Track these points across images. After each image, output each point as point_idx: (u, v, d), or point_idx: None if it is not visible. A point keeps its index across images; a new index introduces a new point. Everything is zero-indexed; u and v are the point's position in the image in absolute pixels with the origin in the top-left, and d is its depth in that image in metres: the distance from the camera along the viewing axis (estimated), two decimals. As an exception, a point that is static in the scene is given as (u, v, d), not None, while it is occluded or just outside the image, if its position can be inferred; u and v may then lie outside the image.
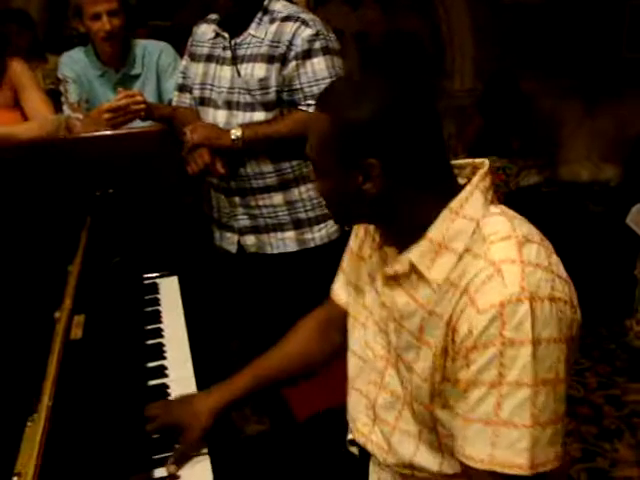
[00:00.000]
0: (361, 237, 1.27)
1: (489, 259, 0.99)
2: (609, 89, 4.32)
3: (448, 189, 1.08)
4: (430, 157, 1.07)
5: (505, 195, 3.66)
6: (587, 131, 4.25)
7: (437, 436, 1.11)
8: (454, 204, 1.05)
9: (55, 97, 2.48)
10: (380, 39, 3.99)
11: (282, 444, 1.44)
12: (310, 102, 1.95)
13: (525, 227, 1.05)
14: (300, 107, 1.97)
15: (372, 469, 1.24)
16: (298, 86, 1.96)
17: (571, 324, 1.00)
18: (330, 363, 1.43)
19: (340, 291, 1.36)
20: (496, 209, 1.07)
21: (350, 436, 1.31)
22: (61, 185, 1.89)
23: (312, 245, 2.11)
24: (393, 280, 1.12)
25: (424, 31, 4.48)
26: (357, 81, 1.11)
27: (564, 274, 1.03)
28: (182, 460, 1.21)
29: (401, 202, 1.06)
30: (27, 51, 3.44)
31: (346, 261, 1.35)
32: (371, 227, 1.24)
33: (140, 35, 3.14)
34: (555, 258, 1.04)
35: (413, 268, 1.07)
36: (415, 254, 1.06)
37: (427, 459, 1.14)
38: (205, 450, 1.23)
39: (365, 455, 1.25)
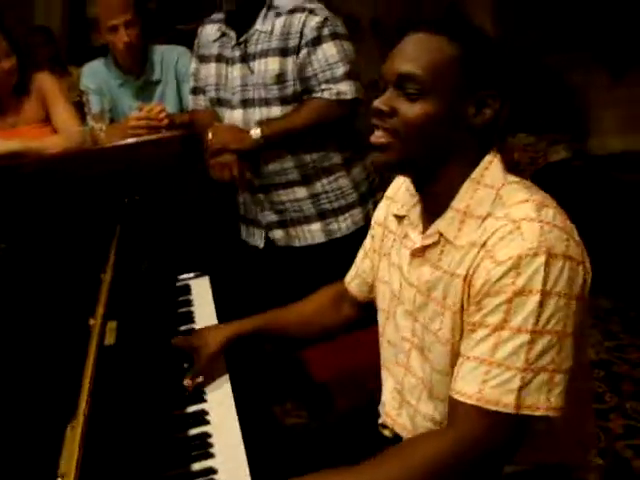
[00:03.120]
0: (380, 236, 1.35)
1: (509, 218, 1.06)
2: (636, 58, 4.21)
3: (474, 158, 1.14)
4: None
5: (534, 172, 3.61)
6: (615, 102, 4.17)
7: None
8: (475, 174, 1.12)
9: (80, 109, 2.54)
10: (395, 24, 3.95)
11: (318, 433, 1.47)
12: (324, 87, 1.96)
13: (541, 194, 1.11)
14: (315, 94, 1.98)
15: None
16: (311, 73, 1.97)
17: (582, 284, 1.05)
18: (343, 332, 1.54)
19: (353, 284, 1.48)
20: (514, 178, 1.14)
21: (381, 420, 1.34)
22: (89, 195, 1.94)
23: (339, 235, 2.14)
24: (419, 257, 1.18)
25: (442, 12, 4.43)
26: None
27: (578, 238, 1.08)
28: (196, 376, 1.41)
29: (474, 148, 1.13)
30: (50, 63, 3.53)
31: (361, 260, 1.45)
32: (391, 225, 1.31)
33: (160, 42, 3.19)
34: (570, 224, 1.09)
35: (441, 237, 1.14)
36: (442, 224, 1.14)
37: None
38: (226, 376, 1.43)
39: (398, 438, 1.28)
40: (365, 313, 1.48)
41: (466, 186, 1.12)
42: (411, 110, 1.09)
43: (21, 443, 1.03)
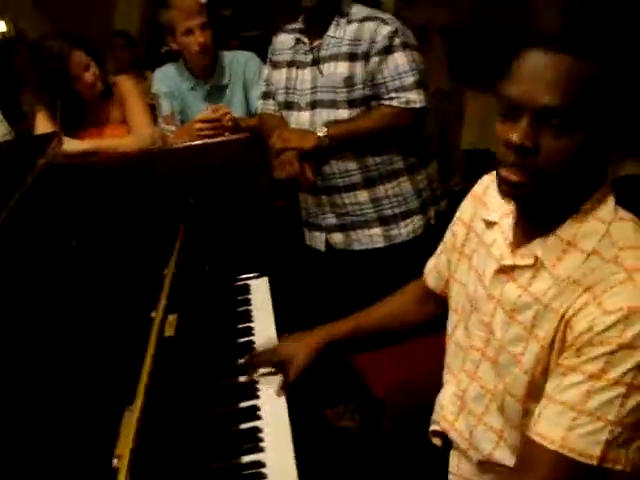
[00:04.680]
0: (462, 235, 1.30)
1: (620, 264, 1.00)
2: None
3: (590, 187, 1.06)
4: None
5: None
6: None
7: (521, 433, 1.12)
8: (587, 205, 1.05)
9: (153, 111, 2.63)
10: (465, 32, 3.90)
11: (367, 437, 1.48)
12: (394, 96, 2.00)
13: None
14: (384, 102, 2.02)
15: (452, 458, 1.26)
16: (381, 80, 2.01)
17: None
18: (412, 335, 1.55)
19: (430, 276, 1.46)
20: (626, 214, 1.08)
21: (432, 427, 1.33)
22: (157, 193, 2.00)
23: (399, 241, 2.15)
24: (505, 273, 1.13)
25: (518, 22, 4.34)
26: (612, 23, 1.03)
27: None
28: (288, 387, 1.39)
29: (593, 178, 1.05)
30: (129, 66, 3.68)
31: (439, 254, 1.42)
32: (477, 227, 1.24)
33: (232, 46, 3.27)
34: None
35: (537, 262, 1.08)
36: (542, 249, 1.07)
37: (505, 456, 1.15)
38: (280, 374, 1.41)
39: (447, 447, 1.28)
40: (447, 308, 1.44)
41: (575, 215, 1.05)
42: (556, 146, 0.98)
43: (82, 424, 1.08)
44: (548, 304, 1.06)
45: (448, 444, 1.29)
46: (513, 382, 1.11)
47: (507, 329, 1.12)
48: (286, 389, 1.39)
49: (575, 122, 0.97)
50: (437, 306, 1.46)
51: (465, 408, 1.23)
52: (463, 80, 3.96)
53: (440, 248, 1.43)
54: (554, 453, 1.00)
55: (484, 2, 4.00)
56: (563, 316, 1.03)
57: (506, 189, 1.05)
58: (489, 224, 1.21)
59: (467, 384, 1.23)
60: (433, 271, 1.45)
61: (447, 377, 1.32)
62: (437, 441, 1.32)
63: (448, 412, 1.28)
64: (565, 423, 0.99)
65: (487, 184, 1.28)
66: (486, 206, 1.23)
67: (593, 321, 0.99)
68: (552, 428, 1.01)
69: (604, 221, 1.04)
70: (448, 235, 1.39)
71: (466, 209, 1.33)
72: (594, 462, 0.98)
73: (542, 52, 0.98)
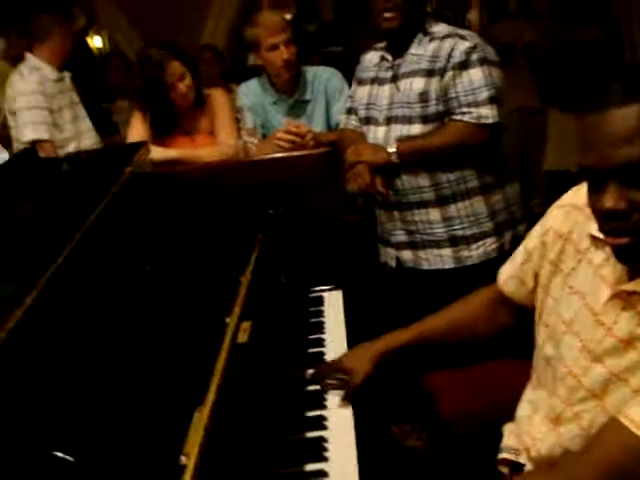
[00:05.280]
0: (557, 247, 1.24)
1: None
2: None
3: None
4: None
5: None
6: None
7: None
8: None
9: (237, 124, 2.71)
10: (546, 51, 3.84)
11: (432, 459, 1.47)
12: (465, 110, 1.98)
13: None
14: (455, 117, 2.00)
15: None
16: (454, 95, 1.99)
17: None
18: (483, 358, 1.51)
19: (510, 283, 1.39)
20: None
21: (502, 455, 1.31)
22: (238, 203, 2.06)
23: (469, 263, 2.11)
24: (621, 299, 1.09)
25: (605, 42, 4.24)
26: None
27: None
28: (349, 398, 1.40)
29: None
30: (216, 79, 3.80)
31: (522, 261, 1.35)
32: (579, 242, 1.19)
33: (315, 62, 3.33)
34: None
35: None
36: None
37: None
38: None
39: (515, 472, 1.26)
40: (521, 318, 1.41)
41: None
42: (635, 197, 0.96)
43: (154, 422, 1.13)
44: None
45: (517, 470, 1.27)
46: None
47: (620, 356, 1.09)
48: (348, 398, 1.40)
49: None
50: (510, 315, 1.43)
51: (556, 432, 1.20)
52: (548, 100, 3.89)
53: (521, 257, 1.35)
54: (636, 437, 0.98)
55: (563, 22, 3.94)
56: None
57: (619, 254, 1.04)
58: (597, 241, 1.14)
59: (561, 410, 1.19)
60: (513, 278, 1.37)
61: (538, 393, 1.27)
62: (504, 469, 1.30)
63: (536, 431, 1.24)
64: None
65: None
66: (592, 220, 1.11)
67: None
68: None
69: None
70: (533, 244, 1.32)
71: (559, 219, 1.25)
72: None
73: (604, 111, 0.97)
